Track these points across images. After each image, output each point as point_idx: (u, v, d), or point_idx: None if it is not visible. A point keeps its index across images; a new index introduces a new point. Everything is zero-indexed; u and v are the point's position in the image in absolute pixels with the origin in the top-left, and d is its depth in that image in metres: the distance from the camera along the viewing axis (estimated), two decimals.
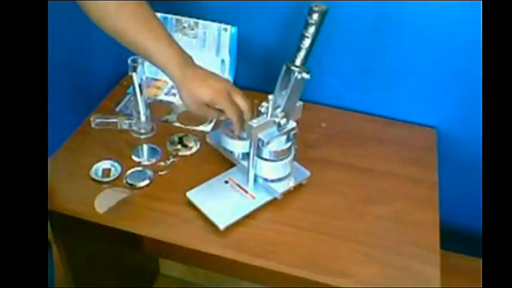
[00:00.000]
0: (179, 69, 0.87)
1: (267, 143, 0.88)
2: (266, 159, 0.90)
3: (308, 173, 0.95)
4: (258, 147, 0.89)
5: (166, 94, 1.19)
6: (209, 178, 0.94)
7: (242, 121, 0.90)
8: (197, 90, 0.87)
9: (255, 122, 0.86)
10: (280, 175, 0.92)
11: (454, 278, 1.08)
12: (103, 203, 0.90)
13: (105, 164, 0.97)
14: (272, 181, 0.92)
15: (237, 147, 0.95)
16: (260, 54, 1.20)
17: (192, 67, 0.89)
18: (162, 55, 0.87)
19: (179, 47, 0.88)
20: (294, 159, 0.94)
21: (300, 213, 0.91)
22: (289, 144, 0.91)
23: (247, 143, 0.91)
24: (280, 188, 0.91)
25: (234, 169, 0.97)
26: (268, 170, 0.91)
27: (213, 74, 0.90)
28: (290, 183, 0.93)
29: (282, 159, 0.90)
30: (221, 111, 0.89)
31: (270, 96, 0.85)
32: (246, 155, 0.92)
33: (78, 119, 1.08)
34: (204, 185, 0.93)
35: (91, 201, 0.90)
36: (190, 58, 0.90)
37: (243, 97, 0.89)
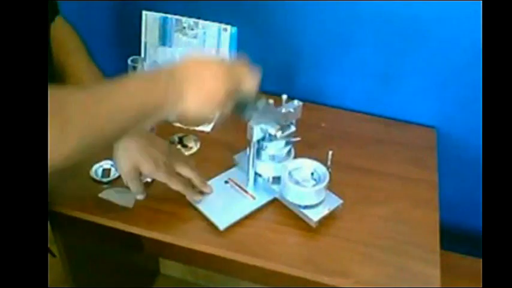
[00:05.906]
0: None
1: (266, 147, 0.89)
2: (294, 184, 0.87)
3: (341, 201, 0.90)
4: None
5: None
6: (209, 178, 0.94)
7: (191, 189, 0.88)
8: (138, 160, 0.84)
9: (255, 122, 0.86)
10: (313, 202, 0.88)
11: (454, 278, 1.08)
12: (109, 194, 0.91)
13: (105, 164, 0.97)
14: (305, 207, 0.88)
15: (267, 170, 0.92)
16: (260, 54, 1.20)
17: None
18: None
19: None
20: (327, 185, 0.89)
21: None
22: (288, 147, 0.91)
23: (278, 165, 0.90)
24: (315, 215, 0.87)
25: (234, 169, 0.97)
26: (297, 195, 0.88)
27: (154, 139, 0.88)
28: (325, 211, 0.88)
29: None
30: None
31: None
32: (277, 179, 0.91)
33: None
34: None
35: (91, 201, 0.90)
36: None
37: (186, 165, 0.88)
